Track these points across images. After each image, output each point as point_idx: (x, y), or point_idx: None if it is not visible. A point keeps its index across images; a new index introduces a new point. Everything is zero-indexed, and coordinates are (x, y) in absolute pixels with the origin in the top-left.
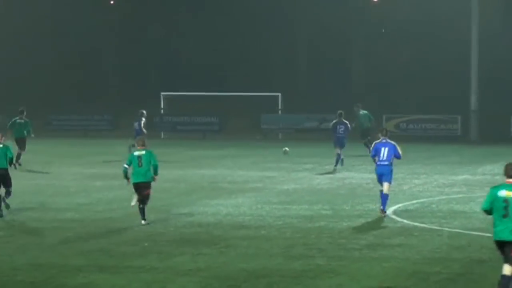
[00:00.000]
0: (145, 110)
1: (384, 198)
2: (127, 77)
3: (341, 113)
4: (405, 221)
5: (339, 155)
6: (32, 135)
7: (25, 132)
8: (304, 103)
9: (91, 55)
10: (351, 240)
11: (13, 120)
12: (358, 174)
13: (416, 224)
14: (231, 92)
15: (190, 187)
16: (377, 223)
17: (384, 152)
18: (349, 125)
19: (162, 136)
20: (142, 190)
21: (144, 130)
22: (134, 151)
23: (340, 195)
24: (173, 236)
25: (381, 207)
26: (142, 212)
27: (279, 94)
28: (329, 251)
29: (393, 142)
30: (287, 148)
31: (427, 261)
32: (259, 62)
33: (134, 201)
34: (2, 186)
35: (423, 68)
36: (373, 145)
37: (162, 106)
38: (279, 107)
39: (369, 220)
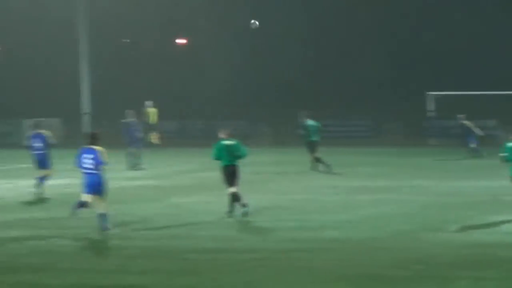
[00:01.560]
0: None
1: None
2: (390, 76)
3: None
4: None
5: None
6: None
7: (315, 135)
8: None
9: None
10: None
11: (304, 123)
12: None
13: None
14: None
15: (466, 201)
16: None
17: None
18: None
19: (430, 143)
20: None
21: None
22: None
23: None
24: (450, 258)
25: None
26: None
27: None
28: None
29: None
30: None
31: None
32: None
33: None
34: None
35: None
36: None
37: (430, 108)
38: None
39: None
